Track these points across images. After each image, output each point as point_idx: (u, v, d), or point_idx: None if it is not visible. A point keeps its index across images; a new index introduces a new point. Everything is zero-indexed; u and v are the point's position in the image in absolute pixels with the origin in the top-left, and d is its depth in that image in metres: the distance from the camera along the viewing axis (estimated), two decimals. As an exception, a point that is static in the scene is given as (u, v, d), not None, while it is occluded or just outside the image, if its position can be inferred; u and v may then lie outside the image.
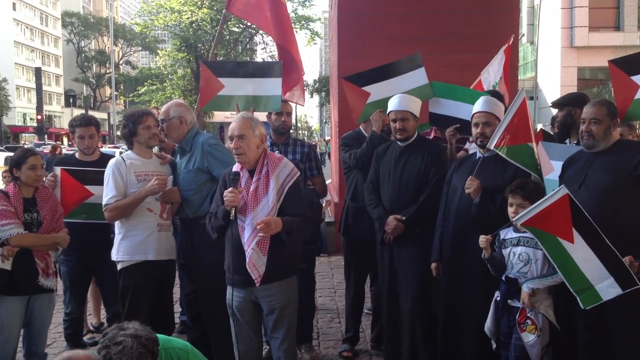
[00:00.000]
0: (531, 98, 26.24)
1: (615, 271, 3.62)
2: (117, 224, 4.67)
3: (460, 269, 4.37)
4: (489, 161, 4.32)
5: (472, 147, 5.54)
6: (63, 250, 5.24)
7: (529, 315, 3.90)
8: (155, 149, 5.09)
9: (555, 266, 3.76)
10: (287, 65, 6.33)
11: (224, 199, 3.90)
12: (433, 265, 4.58)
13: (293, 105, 6.45)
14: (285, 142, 5.50)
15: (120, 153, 5.34)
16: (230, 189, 3.91)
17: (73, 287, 5.33)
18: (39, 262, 4.46)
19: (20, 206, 4.42)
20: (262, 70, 5.95)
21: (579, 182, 3.97)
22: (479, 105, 4.48)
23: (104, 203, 4.58)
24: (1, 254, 4.28)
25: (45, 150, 28.55)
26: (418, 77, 5.41)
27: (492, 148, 4.24)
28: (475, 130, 4.43)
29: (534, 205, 3.76)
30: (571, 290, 3.73)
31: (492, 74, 6.34)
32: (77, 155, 5.42)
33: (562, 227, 3.70)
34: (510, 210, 3.97)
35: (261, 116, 5.25)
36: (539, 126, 12.35)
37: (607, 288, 3.64)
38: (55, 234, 4.56)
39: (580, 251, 3.68)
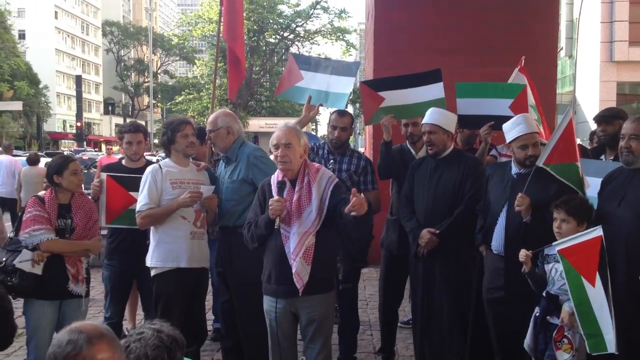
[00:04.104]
0: (569, 112, 25.82)
1: (615, 329, 3.61)
2: (152, 230, 4.72)
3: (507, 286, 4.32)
4: (529, 177, 4.26)
5: (500, 148, 5.54)
6: (107, 255, 5.33)
7: (566, 334, 3.85)
8: None
9: (573, 304, 3.75)
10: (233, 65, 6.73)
11: (270, 207, 3.88)
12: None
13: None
14: (342, 152, 5.44)
15: (157, 161, 5.41)
16: (276, 197, 3.90)
17: (114, 291, 5.36)
18: (70, 267, 4.51)
19: (54, 212, 4.49)
20: (339, 69, 6.08)
21: (618, 199, 3.90)
22: (519, 128, 4.39)
23: (137, 209, 4.65)
24: (32, 258, 4.35)
25: (85, 157, 29.05)
26: (435, 90, 5.39)
27: (541, 165, 4.22)
28: (522, 153, 4.37)
29: (575, 235, 3.78)
30: (582, 332, 3.72)
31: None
32: (123, 161, 5.51)
33: (589, 267, 3.70)
34: (555, 225, 3.95)
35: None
36: (577, 141, 12.16)
37: (611, 341, 3.62)
38: (86, 241, 4.58)
39: (597, 297, 3.67)
